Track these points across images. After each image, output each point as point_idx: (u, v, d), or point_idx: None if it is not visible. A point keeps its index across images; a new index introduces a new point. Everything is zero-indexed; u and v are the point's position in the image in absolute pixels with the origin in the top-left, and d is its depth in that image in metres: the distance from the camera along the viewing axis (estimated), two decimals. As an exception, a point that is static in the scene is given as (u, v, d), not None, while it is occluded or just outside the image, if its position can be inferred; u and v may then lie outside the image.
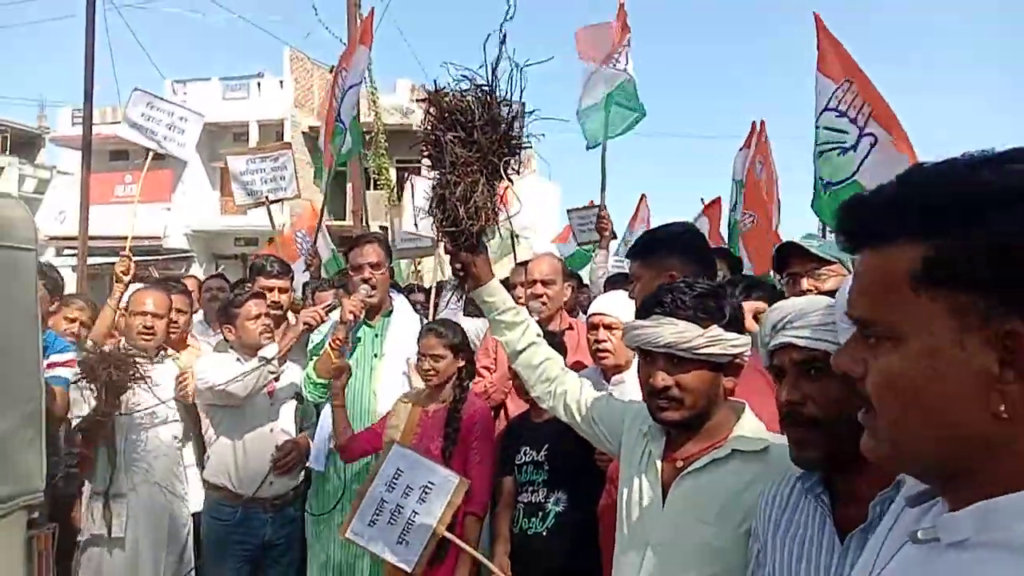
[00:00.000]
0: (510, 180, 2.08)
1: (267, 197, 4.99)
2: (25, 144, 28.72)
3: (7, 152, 27.27)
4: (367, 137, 6.39)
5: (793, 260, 2.52)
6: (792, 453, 1.43)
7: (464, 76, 2.02)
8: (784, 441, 1.77)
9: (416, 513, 2.78)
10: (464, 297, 2.34)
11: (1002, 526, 0.72)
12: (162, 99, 5.11)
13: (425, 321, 3.74)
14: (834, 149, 3.94)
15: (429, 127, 2.05)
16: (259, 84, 24.72)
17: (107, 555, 3.41)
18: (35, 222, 2.85)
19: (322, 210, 5.83)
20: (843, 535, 1.35)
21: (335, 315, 3.58)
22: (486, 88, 2.00)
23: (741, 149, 7.41)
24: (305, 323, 3.55)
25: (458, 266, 2.15)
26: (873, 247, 0.81)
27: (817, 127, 4.02)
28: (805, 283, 2.43)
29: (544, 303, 3.72)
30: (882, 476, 1.24)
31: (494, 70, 1.99)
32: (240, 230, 24.45)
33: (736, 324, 1.83)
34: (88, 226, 10.09)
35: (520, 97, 2.02)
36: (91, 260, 10.01)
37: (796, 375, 1.42)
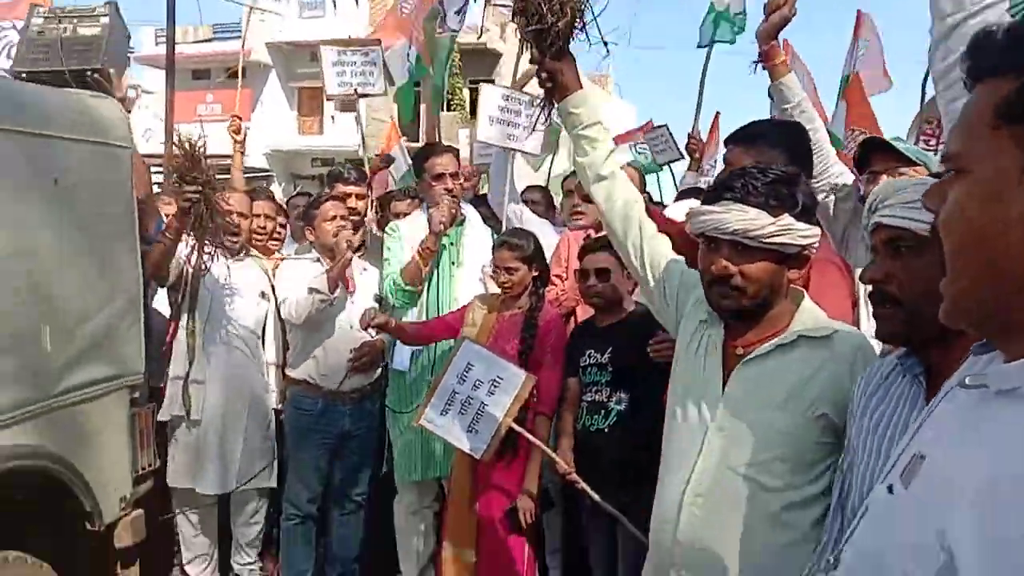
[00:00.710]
0: None
1: (356, 90, 5.06)
2: (111, 64, 29.46)
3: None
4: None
5: (875, 158, 2.46)
6: (876, 329, 1.45)
7: None
8: (847, 326, 1.80)
9: (485, 405, 2.92)
10: (549, 114, 2.24)
11: None
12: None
13: (494, 233, 3.82)
14: None
15: None
16: (335, 2, 24.66)
17: (188, 434, 3.62)
18: (130, 122, 3.02)
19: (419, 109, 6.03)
20: None
21: (406, 227, 3.70)
22: None
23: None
24: (348, 243, 3.64)
25: (544, 75, 2.05)
26: (981, 80, 0.81)
27: None
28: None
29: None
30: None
31: None
32: (317, 150, 24.86)
33: (808, 214, 1.76)
34: (173, 144, 10.49)
35: None
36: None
37: (884, 254, 1.42)
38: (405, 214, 4.14)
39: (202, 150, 3.35)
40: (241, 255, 3.84)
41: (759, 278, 1.75)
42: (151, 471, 3.15)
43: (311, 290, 3.58)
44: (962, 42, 1.00)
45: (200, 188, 3.28)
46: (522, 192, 5.03)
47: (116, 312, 2.88)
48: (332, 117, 24.61)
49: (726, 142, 2.47)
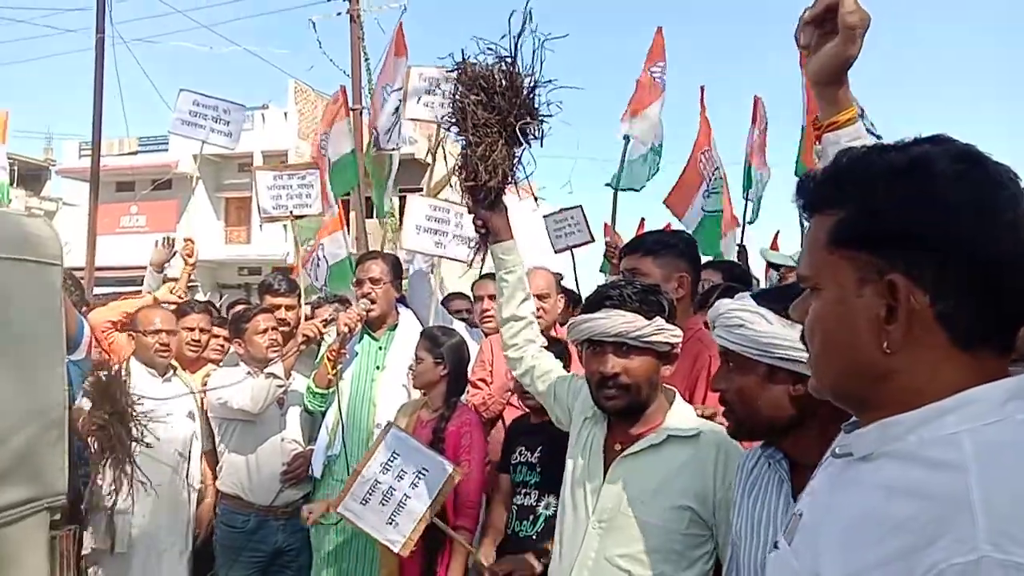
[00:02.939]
0: (528, 144, 2.26)
1: (291, 212, 5.18)
2: (31, 176, 29.08)
3: (15, 185, 27.59)
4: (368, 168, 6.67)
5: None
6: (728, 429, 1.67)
7: (489, 49, 2.22)
8: (712, 425, 2.01)
9: (408, 497, 2.84)
10: (484, 255, 2.56)
11: (896, 437, 0.88)
12: (205, 95, 5.50)
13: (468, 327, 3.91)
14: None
15: (457, 96, 2.26)
16: (263, 115, 25.10)
17: (111, 566, 3.45)
18: (60, 239, 3.04)
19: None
20: (797, 496, 1.51)
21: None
22: (508, 58, 2.20)
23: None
24: (304, 335, 3.68)
25: (479, 223, 2.35)
26: (811, 215, 1.00)
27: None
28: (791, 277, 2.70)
29: (539, 317, 3.83)
30: (833, 441, 1.42)
31: (517, 42, 2.18)
32: (244, 259, 24.71)
33: (673, 316, 2.03)
34: (95, 256, 10.34)
35: (540, 69, 2.20)
36: (97, 290, 10.21)
37: (723, 366, 1.65)
38: (327, 321, 4.20)
39: (122, 383, 3.28)
40: (169, 375, 3.78)
41: (641, 374, 1.99)
42: (71, 599, 3.00)
43: (268, 375, 3.56)
44: None
45: (109, 416, 3.20)
46: (444, 300, 5.15)
47: (39, 430, 2.81)
48: (260, 226, 24.65)
49: (626, 251, 2.74)
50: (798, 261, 2.70)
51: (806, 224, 1.02)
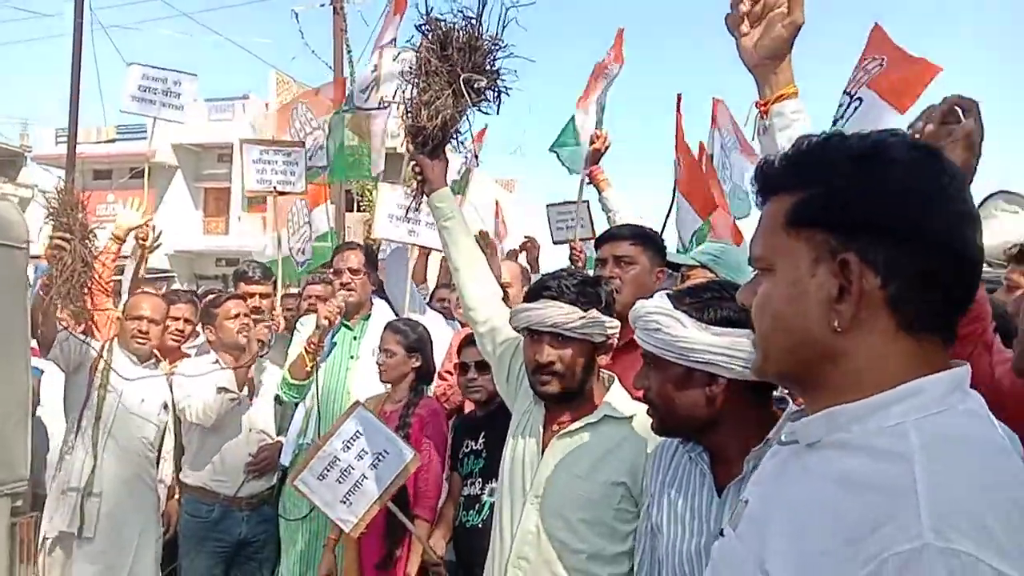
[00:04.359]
0: (473, 101, 2.28)
1: (275, 188, 5.14)
2: (6, 163, 28.71)
3: (-11, 171, 27.27)
4: (351, 160, 6.53)
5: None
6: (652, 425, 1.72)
7: (458, 11, 2.26)
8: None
9: (365, 478, 2.82)
10: (419, 204, 2.59)
11: (842, 427, 0.90)
12: (155, 67, 5.25)
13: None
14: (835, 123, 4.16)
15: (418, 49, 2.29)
16: (244, 105, 24.92)
17: (77, 549, 3.41)
18: (27, 223, 3.01)
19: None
20: (720, 488, 1.59)
21: (310, 325, 3.71)
22: (472, 18, 2.24)
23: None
24: (260, 342, 3.63)
25: (416, 169, 2.38)
26: (767, 197, 1.01)
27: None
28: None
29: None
30: (750, 437, 1.51)
31: (483, 3, 2.23)
32: (222, 250, 24.54)
33: (610, 309, 2.11)
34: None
35: (501, 34, 2.24)
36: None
37: (644, 365, 1.70)
38: (319, 297, 4.20)
39: (82, 200, 3.27)
40: (151, 362, 3.74)
41: (575, 362, 2.05)
42: (32, 586, 2.98)
43: (220, 389, 3.53)
44: None
45: (69, 237, 3.18)
46: (434, 290, 5.15)
47: (2, 415, 2.79)
48: (239, 217, 24.48)
49: (601, 241, 2.77)
50: (703, 264, 2.79)
51: (758, 209, 1.04)
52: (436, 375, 3.55)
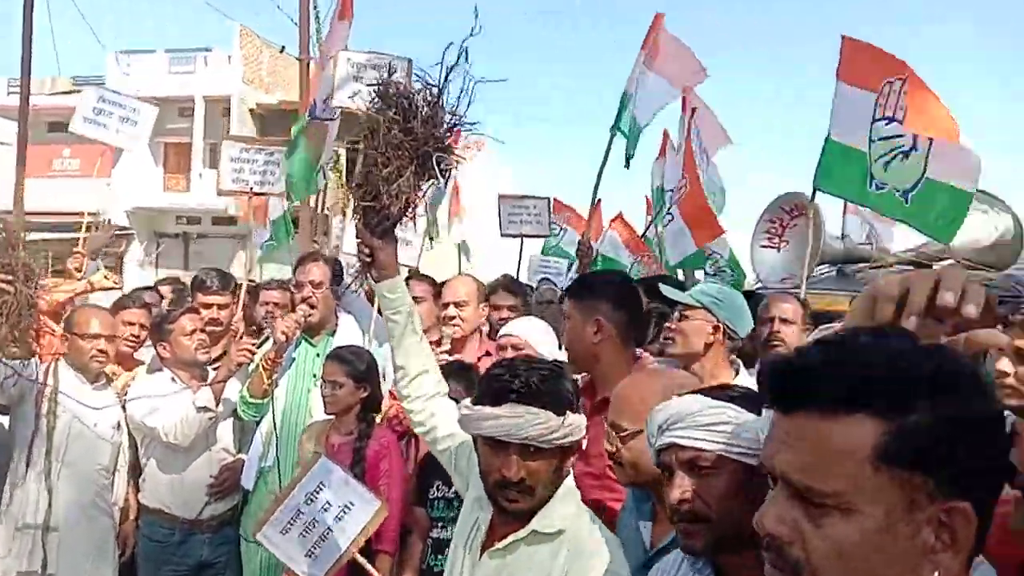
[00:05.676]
0: (436, 179, 2.10)
1: (252, 188, 4.96)
2: (-44, 111, 27.62)
3: (-64, 120, 26.20)
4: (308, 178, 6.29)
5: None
6: (680, 543, 1.47)
7: (419, 76, 2.08)
8: (587, 520, 1.82)
9: (331, 531, 2.70)
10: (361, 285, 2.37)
11: None
12: (114, 91, 5.14)
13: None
14: (895, 156, 4.04)
15: (373, 110, 2.07)
16: (206, 59, 24.16)
17: None
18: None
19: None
20: None
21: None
22: (436, 88, 2.05)
23: (657, 159, 7.07)
24: (238, 363, 3.47)
25: (366, 250, 2.11)
26: (819, 414, 0.84)
27: (872, 140, 4.11)
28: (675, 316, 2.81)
29: (455, 325, 3.68)
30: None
31: (448, 76, 2.04)
32: (183, 208, 23.95)
33: (577, 403, 1.83)
34: (23, 200, 9.83)
35: (466, 109, 2.08)
36: (27, 236, 9.73)
37: (682, 472, 1.45)
38: (277, 304, 4.02)
39: (20, 239, 3.01)
40: (102, 381, 3.53)
41: (548, 475, 1.77)
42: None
43: (200, 408, 3.37)
44: None
45: (11, 279, 2.90)
46: None
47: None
48: (200, 174, 23.87)
49: (566, 295, 2.68)
50: (704, 304, 2.73)
51: (778, 418, 0.89)
52: (388, 394, 3.39)
